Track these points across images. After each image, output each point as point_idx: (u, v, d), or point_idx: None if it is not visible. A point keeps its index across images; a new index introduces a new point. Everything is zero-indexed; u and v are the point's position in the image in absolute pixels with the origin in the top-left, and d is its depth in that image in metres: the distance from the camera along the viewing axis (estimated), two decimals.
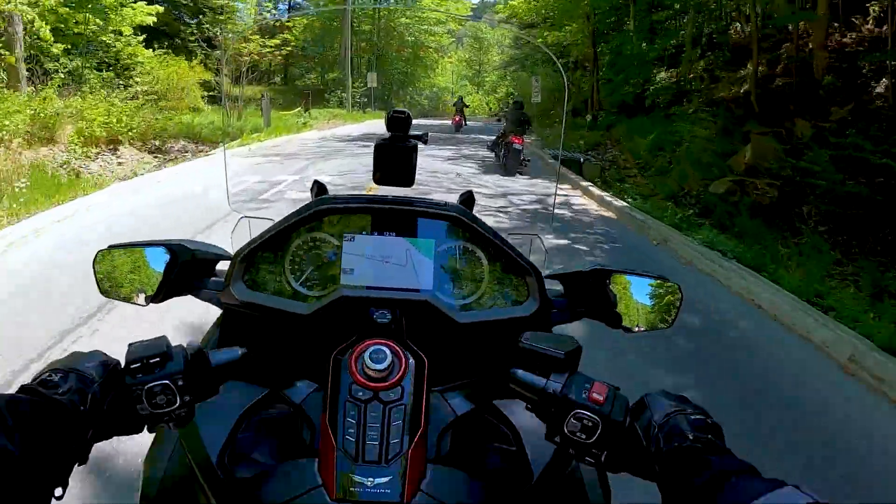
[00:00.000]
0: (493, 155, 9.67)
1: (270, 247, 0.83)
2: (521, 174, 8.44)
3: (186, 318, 2.78)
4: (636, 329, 0.84)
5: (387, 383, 0.64)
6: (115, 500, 1.78)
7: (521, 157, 8.48)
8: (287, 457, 0.68)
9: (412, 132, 0.95)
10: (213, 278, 0.88)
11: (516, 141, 8.35)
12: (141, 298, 0.83)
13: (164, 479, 0.74)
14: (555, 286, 0.93)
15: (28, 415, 0.47)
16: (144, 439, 0.72)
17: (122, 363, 0.59)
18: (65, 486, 0.50)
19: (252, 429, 0.73)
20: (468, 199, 0.98)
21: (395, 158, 0.90)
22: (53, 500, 0.48)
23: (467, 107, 21.80)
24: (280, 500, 0.57)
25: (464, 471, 0.64)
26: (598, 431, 0.56)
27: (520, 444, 0.73)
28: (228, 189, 1.23)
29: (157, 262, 0.83)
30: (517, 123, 8.77)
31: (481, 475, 0.66)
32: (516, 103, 9.59)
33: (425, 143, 0.91)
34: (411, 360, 0.67)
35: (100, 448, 0.57)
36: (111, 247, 0.84)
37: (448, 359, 0.76)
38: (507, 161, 8.50)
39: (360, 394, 0.63)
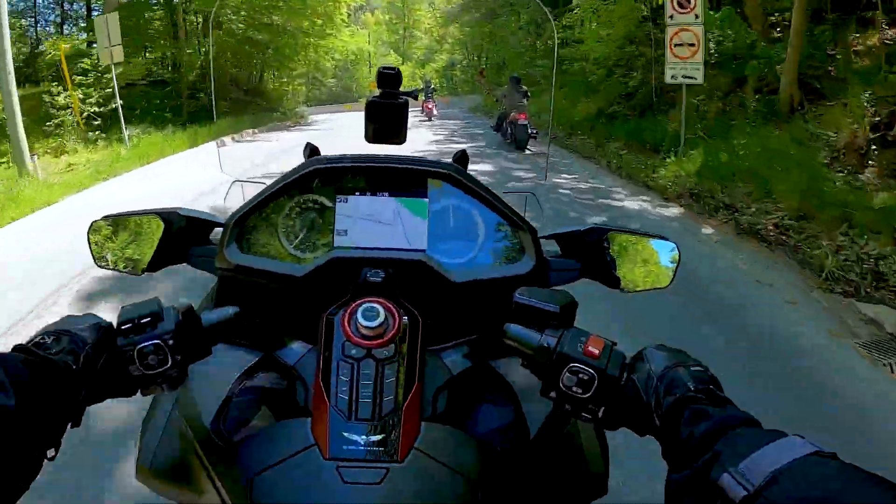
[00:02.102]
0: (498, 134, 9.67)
1: (263, 210, 0.82)
2: (529, 148, 8.39)
3: None
4: (634, 288, 0.84)
5: (380, 341, 0.63)
6: (112, 467, 1.71)
7: (528, 132, 8.44)
8: (282, 419, 0.66)
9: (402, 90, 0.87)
10: (208, 245, 0.87)
11: (521, 117, 8.49)
12: (135, 267, 0.84)
13: (160, 445, 0.71)
14: (552, 246, 0.90)
15: (22, 373, 0.47)
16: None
17: (115, 324, 0.58)
18: (57, 446, 0.49)
19: (247, 392, 0.72)
20: (462, 157, 0.93)
21: (386, 116, 0.88)
22: (45, 461, 0.48)
23: (435, 90, 17.00)
24: (273, 460, 0.56)
25: (459, 429, 0.63)
26: (595, 386, 0.55)
27: (516, 403, 0.72)
28: (220, 154, 1.22)
29: (151, 230, 0.83)
30: (518, 100, 8.84)
31: (477, 434, 0.66)
32: (513, 79, 9.59)
33: (416, 98, 0.89)
34: (405, 318, 0.66)
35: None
36: (105, 217, 0.84)
37: (444, 318, 0.75)
38: (517, 137, 8.53)
39: (354, 352, 0.62)
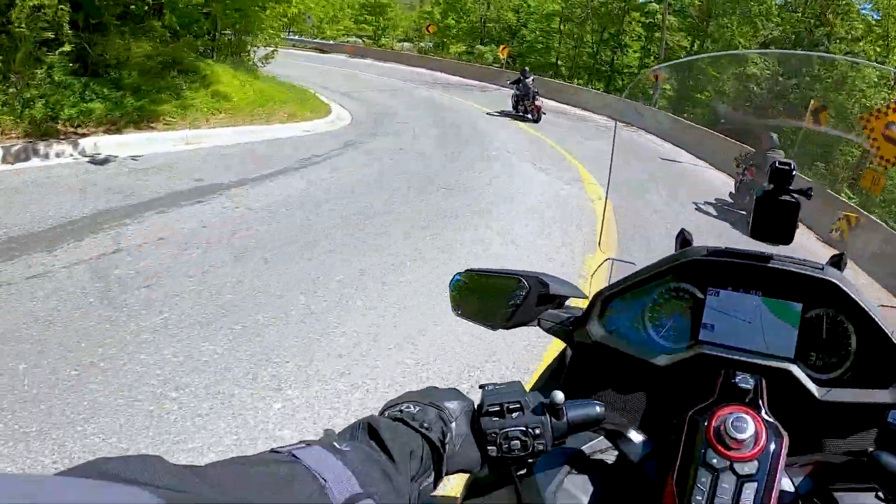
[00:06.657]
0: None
1: (631, 291, 0.85)
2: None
3: None
4: None
5: (745, 455, 0.59)
6: None
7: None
8: None
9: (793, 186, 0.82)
10: (559, 311, 0.90)
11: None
12: (490, 323, 0.91)
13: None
14: None
15: (404, 442, 0.53)
16: None
17: (476, 403, 0.63)
18: None
19: (582, 471, 0.73)
20: (839, 261, 0.89)
21: (776, 213, 0.82)
22: None
23: (528, 77, 12.06)
24: None
25: None
26: None
27: None
28: (601, 231, 1.26)
29: (510, 290, 0.88)
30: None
31: None
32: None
33: (809, 198, 0.82)
34: (772, 434, 0.61)
35: None
36: (468, 270, 0.94)
37: (799, 434, 0.69)
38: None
39: (715, 461, 0.59)
